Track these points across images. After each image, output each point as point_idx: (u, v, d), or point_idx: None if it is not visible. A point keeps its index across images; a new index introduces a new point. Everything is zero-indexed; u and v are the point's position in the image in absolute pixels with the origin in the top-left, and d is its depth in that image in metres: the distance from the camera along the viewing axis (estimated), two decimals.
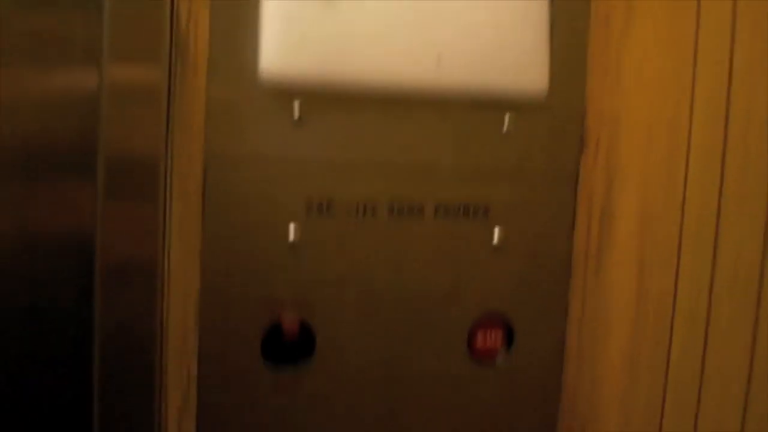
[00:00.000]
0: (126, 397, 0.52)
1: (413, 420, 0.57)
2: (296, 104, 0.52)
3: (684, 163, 0.60)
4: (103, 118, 0.48)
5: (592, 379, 0.61)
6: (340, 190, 0.54)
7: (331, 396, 0.55)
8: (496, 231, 0.58)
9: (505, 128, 0.56)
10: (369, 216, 0.55)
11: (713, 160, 0.60)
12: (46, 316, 0.49)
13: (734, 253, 0.61)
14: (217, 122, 0.51)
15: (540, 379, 0.60)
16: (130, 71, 0.49)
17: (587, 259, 0.59)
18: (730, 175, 0.60)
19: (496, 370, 0.59)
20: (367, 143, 0.54)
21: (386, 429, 0.57)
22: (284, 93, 0.52)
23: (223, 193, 0.52)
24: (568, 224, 0.59)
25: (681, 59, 0.59)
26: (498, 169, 0.57)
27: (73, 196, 0.49)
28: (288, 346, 0.55)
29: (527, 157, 0.57)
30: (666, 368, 0.61)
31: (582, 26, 0.58)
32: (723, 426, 0.62)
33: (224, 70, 0.51)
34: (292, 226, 0.53)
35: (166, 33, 0.50)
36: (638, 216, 0.60)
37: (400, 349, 0.56)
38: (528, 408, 0.60)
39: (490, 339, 0.59)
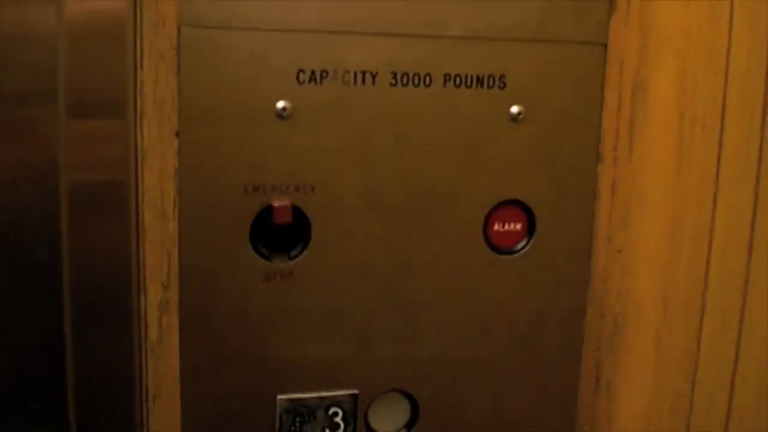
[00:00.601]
0: (100, 295, 0.46)
1: (424, 316, 0.51)
2: None
3: (728, 19, 0.52)
4: None
5: (624, 269, 0.54)
6: (334, 57, 0.47)
7: (329, 290, 0.50)
8: (514, 103, 0.50)
9: None
10: (369, 85, 0.48)
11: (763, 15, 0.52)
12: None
13: None
14: None
15: (565, 268, 0.54)
16: None
17: (618, 137, 0.53)
18: None
19: (517, 258, 0.52)
20: (367, 3, 0.47)
21: (394, 327, 0.51)
22: None
23: (202, 63, 0.45)
24: (596, 98, 0.52)
25: None
26: (517, 33, 0.50)
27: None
28: (280, 233, 0.49)
29: (549, 19, 0.51)
30: (708, 256, 0.54)
31: None
32: None
33: None
34: (281, 97, 0.46)
35: None
36: (676, 86, 0.53)
37: (408, 236, 0.50)
38: (553, 299, 0.54)
39: (509, 224, 0.52)
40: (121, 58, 0.45)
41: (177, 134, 0.46)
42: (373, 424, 0.53)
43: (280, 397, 0.50)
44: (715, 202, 0.54)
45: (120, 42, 0.45)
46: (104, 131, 0.45)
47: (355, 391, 0.51)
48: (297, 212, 0.48)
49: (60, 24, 0.44)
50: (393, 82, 0.49)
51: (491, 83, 0.50)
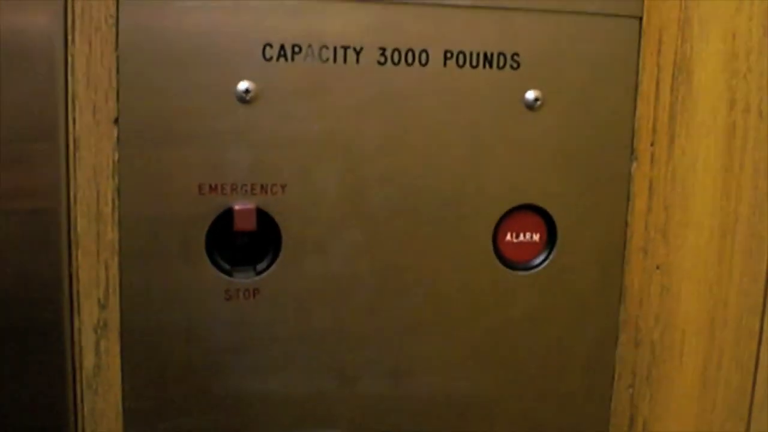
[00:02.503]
0: (24, 315, 0.39)
1: (418, 344, 0.45)
2: None
3: None
4: None
5: (664, 288, 0.48)
6: (309, 28, 0.41)
7: (303, 312, 0.43)
8: (530, 87, 0.44)
9: None
10: (351, 64, 0.41)
11: None
12: None
13: None
14: None
15: (592, 288, 0.47)
16: None
17: (656, 130, 0.46)
18: None
19: (534, 276, 0.46)
20: None
21: (381, 358, 0.44)
22: None
23: (146, 35, 0.39)
24: (630, 82, 0.45)
25: None
26: (533, 1, 0.43)
27: None
28: (243, 242, 0.42)
29: None
30: (767, 273, 0.46)
31: None
32: None
33: None
34: (244, 76, 0.39)
35: None
36: (726, 68, 0.46)
37: (398, 247, 0.43)
38: (577, 324, 0.48)
39: (524, 234, 0.44)
40: (47, 29, 0.38)
41: (116, 121, 0.40)
42: None
43: None
44: None
45: (46, 9, 0.38)
46: (27, 117, 0.38)
47: None
48: (263, 217, 0.42)
49: None
50: (381, 60, 0.42)
51: (502, 63, 0.44)
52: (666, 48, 0.45)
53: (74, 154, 0.40)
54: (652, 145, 0.46)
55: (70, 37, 0.39)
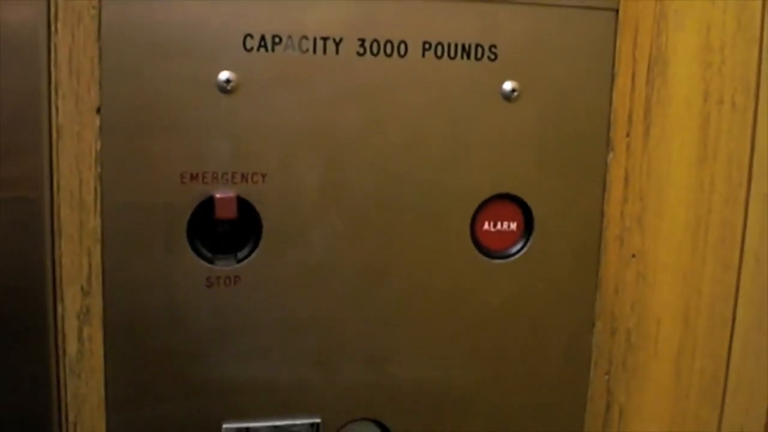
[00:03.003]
0: (7, 302, 0.40)
1: (398, 331, 0.45)
2: None
3: None
4: None
5: (640, 277, 0.49)
6: (289, 19, 0.41)
7: (283, 299, 0.44)
8: (507, 78, 0.44)
9: None
10: (331, 55, 0.42)
11: None
12: None
13: None
14: None
15: (569, 276, 0.47)
16: None
17: (632, 121, 0.47)
18: None
19: (511, 264, 0.46)
20: None
21: (362, 345, 0.45)
22: None
23: (128, 25, 0.40)
24: (606, 74, 0.46)
25: None
26: None
27: None
28: (224, 230, 0.43)
29: None
30: (739, 261, 0.47)
31: None
32: None
33: None
34: (225, 66, 0.40)
35: None
36: (700, 60, 0.46)
37: (378, 236, 0.44)
38: (554, 312, 0.48)
39: (501, 223, 0.45)
40: (31, 19, 0.39)
41: (98, 110, 0.40)
42: None
43: (225, 425, 0.45)
44: (747, 197, 0.48)
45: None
46: (9, 105, 0.39)
47: (317, 419, 0.45)
48: (244, 206, 0.43)
49: None
50: (360, 51, 0.42)
51: (480, 54, 0.44)
52: (642, 40, 0.46)
53: (57, 143, 0.40)
54: (627, 135, 0.47)
55: (53, 27, 0.39)
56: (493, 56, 0.44)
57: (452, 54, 0.44)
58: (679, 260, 0.49)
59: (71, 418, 0.42)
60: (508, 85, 0.45)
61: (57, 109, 0.40)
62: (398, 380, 0.46)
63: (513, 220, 0.47)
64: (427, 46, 0.43)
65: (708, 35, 0.46)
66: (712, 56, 0.46)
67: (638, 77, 0.46)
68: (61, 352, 0.42)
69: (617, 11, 0.45)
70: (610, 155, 0.47)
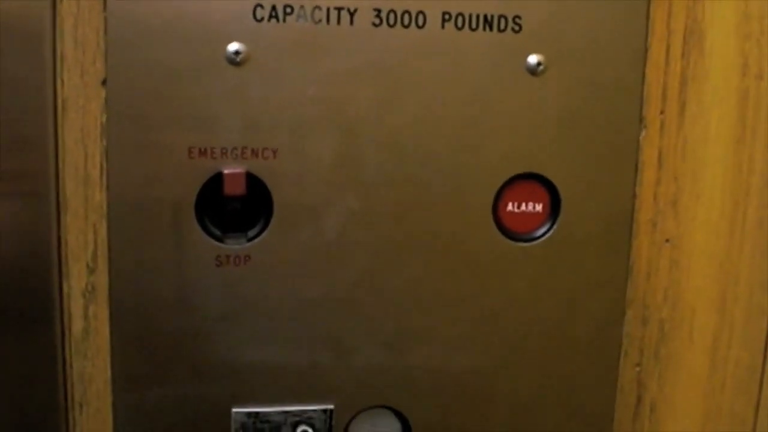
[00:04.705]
0: (12, 279, 0.40)
1: (416, 315, 0.45)
2: None
3: None
4: None
5: (673, 263, 0.48)
6: None
7: (295, 280, 0.43)
8: (532, 51, 0.43)
9: None
10: (345, 25, 0.41)
11: None
12: None
13: None
14: None
15: (598, 262, 0.46)
16: None
17: (666, 98, 0.45)
18: None
19: (536, 247, 0.46)
20: None
21: (377, 328, 0.44)
22: None
23: None
24: (638, 46, 0.44)
25: None
26: None
27: None
28: (234, 208, 0.42)
29: None
30: None
31: None
32: None
33: None
34: (234, 37, 0.39)
35: None
36: (739, 32, 0.44)
37: (394, 214, 0.43)
38: (582, 300, 0.47)
39: (526, 204, 0.44)
40: None
41: (104, 82, 0.40)
42: None
43: (235, 410, 0.44)
44: None
45: None
46: (14, 77, 0.39)
47: (330, 406, 0.44)
48: (254, 182, 0.42)
49: None
50: (377, 21, 0.41)
51: (503, 26, 0.43)
52: (677, 10, 0.45)
53: (62, 116, 0.40)
54: (661, 113, 0.45)
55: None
56: (517, 27, 0.43)
57: (474, 25, 0.43)
58: (715, 245, 0.47)
59: (77, 398, 0.42)
60: (533, 59, 0.43)
61: (62, 81, 0.39)
62: (415, 366, 0.45)
63: (538, 201, 0.45)
64: (446, 16, 0.42)
65: (747, 4, 0.44)
66: (750, 27, 0.45)
67: (673, 50, 0.45)
68: (66, 331, 0.41)
69: None
70: (643, 133, 0.45)
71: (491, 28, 0.43)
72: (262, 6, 0.40)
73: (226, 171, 0.41)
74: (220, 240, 0.42)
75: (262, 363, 0.43)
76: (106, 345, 0.42)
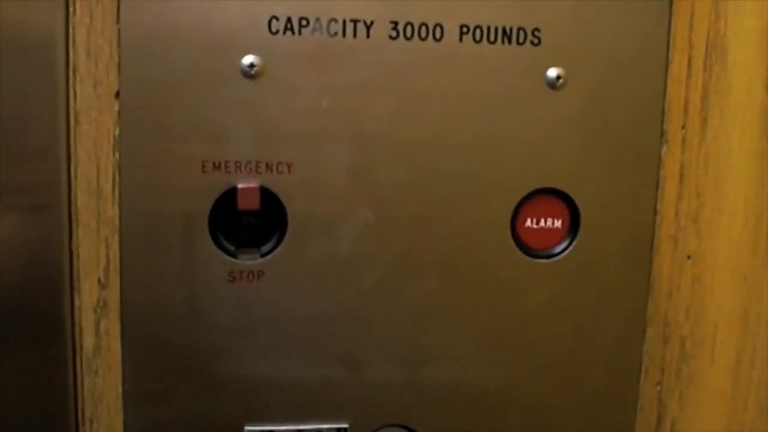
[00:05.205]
0: (23, 294, 0.39)
1: (432, 332, 0.44)
2: None
3: None
4: None
5: (695, 280, 0.47)
6: (317, 2, 0.40)
7: (309, 295, 0.43)
8: (552, 65, 0.43)
9: None
10: (362, 38, 0.40)
11: None
12: None
13: None
14: None
15: (618, 278, 0.46)
16: None
17: (687, 112, 0.45)
18: None
19: (555, 264, 0.45)
20: None
21: (393, 345, 0.44)
22: None
23: (148, 5, 0.39)
24: (660, 60, 0.43)
25: None
26: None
27: None
28: (247, 223, 0.42)
29: None
30: None
31: None
32: None
33: None
34: (249, 50, 0.39)
35: None
36: (762, 43, 0.44)
37: (411, 230, 0.43)
38: (601, 317, 0.46)
39: (545, 220, 0.43)
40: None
41: (117, 95, 0.39)
42: None
43: (248, 428, 0.44)
44: None
45: None
46: (27, 89, 0.38)
47: (344, 425, 0.44)
48: (268, 196, 0.42)
49: None
50: (393, 34, 0.41)
51: (522, 38, 0.43)
52: (699, 24, 0.44)
53: (75, 128, 0.40)
54: (683, 127, 0.45)
55: (71, 8, 0.39)
56: (536, 40, 0.43)
57: (492, 38, 0.42)
58: (738, 261, 0.46)
59: (88, 414, 0.42)
60: (552, 72, 0.43)
61: (75, 93, 0.39)
62: (432, 384, 0.45)
63: (558, 217, 0.45)
64: (464, 29, 0.42)
65: None
66: None
67: (695, 64, 0.44)
68: (78, 347, 0.41)
69: None
70: (664, 148, 0.45)
71: (510, 41, 0.42)
72: (277, 18, 0.40)
73: (240, 185, 0.41)
74: (233, 255, 0.42)
75: (275, 380, 0.43)
76: (118, 361, 0.42)
